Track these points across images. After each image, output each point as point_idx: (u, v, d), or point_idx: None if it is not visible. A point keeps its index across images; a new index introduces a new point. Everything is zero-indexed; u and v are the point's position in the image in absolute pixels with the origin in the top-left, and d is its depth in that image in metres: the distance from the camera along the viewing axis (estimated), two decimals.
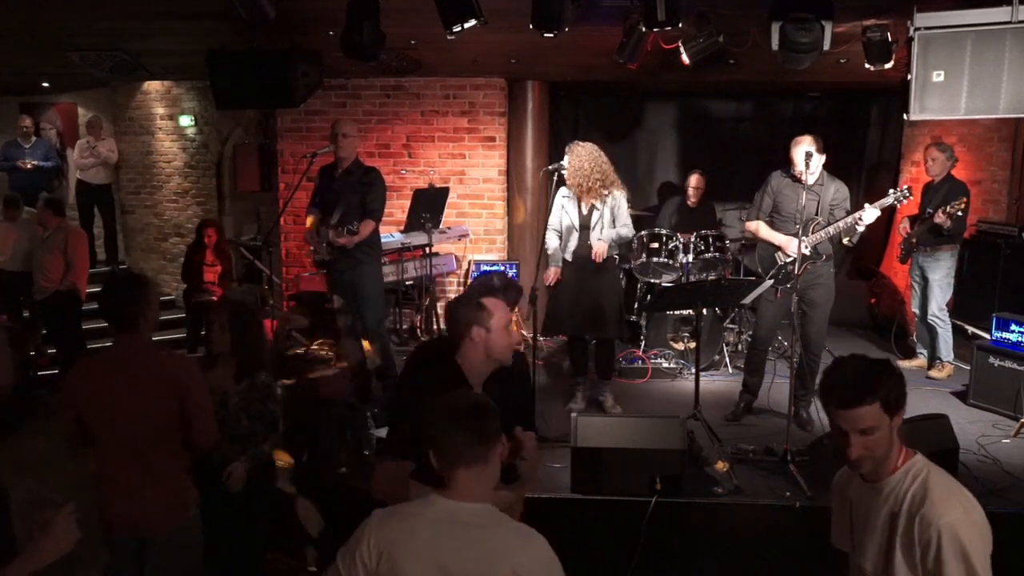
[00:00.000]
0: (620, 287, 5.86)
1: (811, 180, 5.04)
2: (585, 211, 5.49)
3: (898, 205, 5.17)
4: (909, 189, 5.18)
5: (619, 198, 5.50)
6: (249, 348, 3.55)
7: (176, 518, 3.12)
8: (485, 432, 2.08)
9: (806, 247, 5.08)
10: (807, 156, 4.88)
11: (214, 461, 3.41)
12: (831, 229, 5.05)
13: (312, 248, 5.77)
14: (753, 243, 6.28)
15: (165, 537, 3.09)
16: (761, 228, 5.35)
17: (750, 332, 6.53)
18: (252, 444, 3.53)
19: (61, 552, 2.05)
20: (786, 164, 5.27)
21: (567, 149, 5.50)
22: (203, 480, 3.29)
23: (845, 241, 5.16)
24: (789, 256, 5.10)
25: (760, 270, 5.42)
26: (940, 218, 5.99)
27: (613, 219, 5.46)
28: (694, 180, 7.59)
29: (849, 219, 5.02)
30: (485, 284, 3.66)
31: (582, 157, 5.38)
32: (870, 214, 4.96)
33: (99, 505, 3.11)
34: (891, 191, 5.14)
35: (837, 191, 5.18)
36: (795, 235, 5.06)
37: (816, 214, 5.13)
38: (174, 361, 3.19)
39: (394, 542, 1.97)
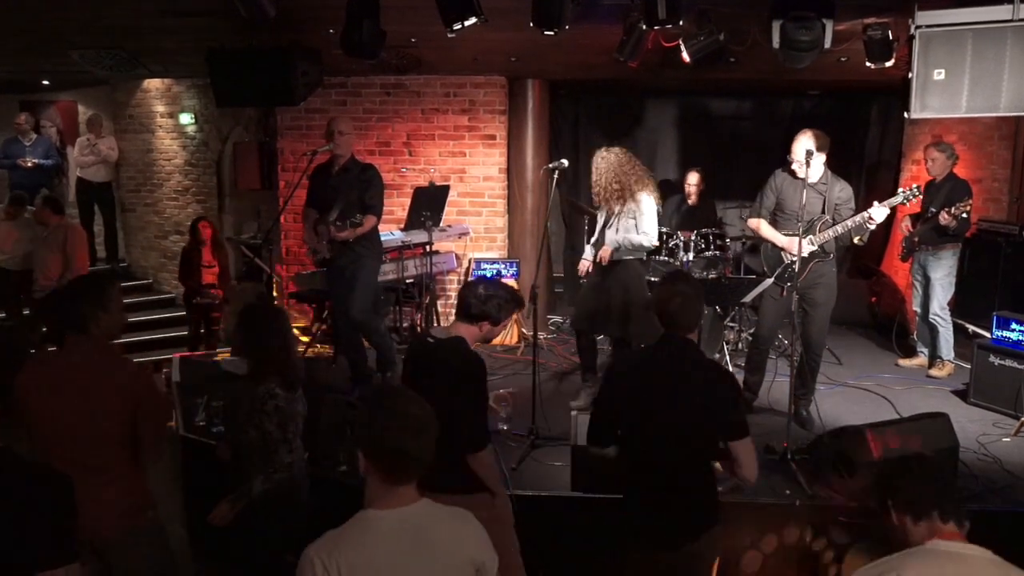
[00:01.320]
0: (639, 290, 5.69)
1: (813, 178, 5.04)
2: (612, 219, 5.52)
3: (907, 204, 5.17)
4: (918, 187, 5.18)
5: (643, 204, 5.42)
6: (256, 351, 3.35)
7: (130, 522, 3.04)
8: (432, 445, 2.06)
9: (813, 245, 5.07)
10: (807, 155, 4.87)
11: (229, 478, 3.34)
12: (839, 228, 5.04)
13: (312, 248, 5.76)
14: (756, 242, 6.29)
15: (124, 540, 3.01)
16: (762, 227, 5.33)
17: (750, 331, 6.53)
18: (266, 462, 3.28)
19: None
20: (787, 161, 5.27)
21: (601, 156, 5.51)
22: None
23: (856, 240, 5.16)
24: (793, 256, 5.08)
25: (766, 268, 5.41)
26: (945, 219, 5.98)
27: (635, 225, 5.44)
28: (693, 178, 7.58)
29: (859, 218, 5.02)
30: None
31: (600, 168, 5.46)
32: (880, 212, 4.95)
33: None
34: (900, 190, 5.14)
35: (842, 190, 5.17)
36: (797, 233, 5.06)
37: (822, 212, 5.12)
38: (126, 367, 3.05)
39: (356, 569, 1.91)
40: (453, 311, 8.82)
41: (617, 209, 5.46)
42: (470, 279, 4.53)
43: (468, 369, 3.21)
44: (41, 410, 2.94)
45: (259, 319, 3.45)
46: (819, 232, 5.09)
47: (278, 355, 3.34)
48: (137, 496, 3.09)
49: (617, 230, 5.45)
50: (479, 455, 3.20)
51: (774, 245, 5.28)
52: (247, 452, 3.32)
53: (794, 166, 5.07)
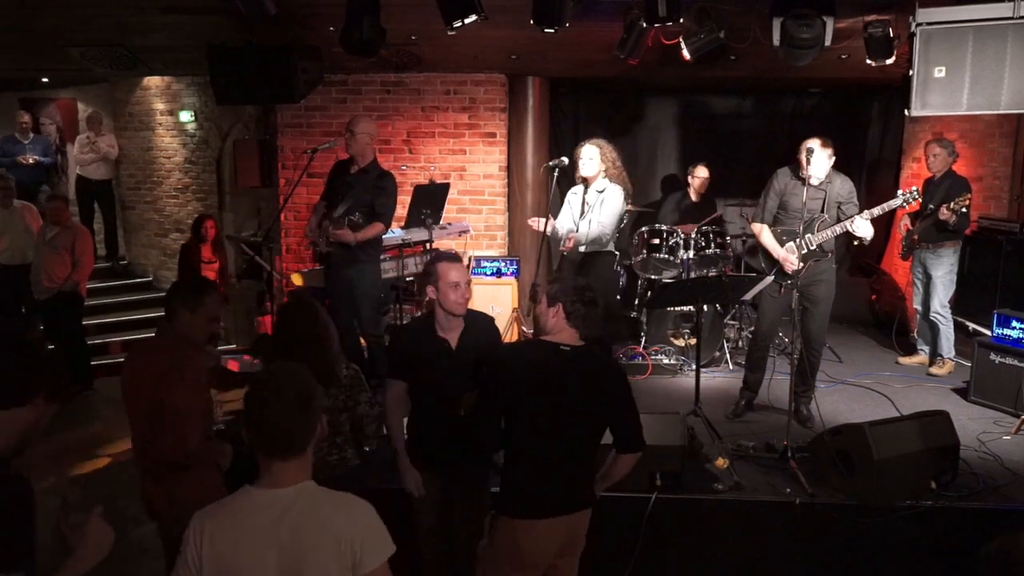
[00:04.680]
0: (611, 285, 5.84)
1: (817, 180, 5.08)
2: (585, 208, 5.55)
3: (906, 207, 5.17)
4: (917, 190, 5.18)
5: (615, 194, 5.61)
6: (290, 347, 3.35)
7: (188, 513, 3.08)
8: (313, 423, 2.04)
9: (812, 245, 5.11)
10: (808, 152, 4.90)
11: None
12: (837, 228, 5.06)
13: (312, 241, 5.76)
14: (755, 241, 6.29)
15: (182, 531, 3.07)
16: (764, 234, 5.37)
17: (751, 328, 6.53)
18: None
19: (103, 554, 2.00)
20: (789, 161, 5.29)
21: (597, 143, 5.68)
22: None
23: (856, 243, 5.18)
24: (788, 268, 5.16)
25: (764, 266, 5.43)
26: (945, 214, 5.98)
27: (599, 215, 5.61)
28: (702, 172, 7.53)
29: (838, 227, 5.07)
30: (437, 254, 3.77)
31: (611, 151, 5.71)
32: (862, 226, 4.98)
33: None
34: (899, 192, 5.14)
35: (842, 186, 5.18)
36: (800, 232, 5.11)
37: (822, 211, 5.13)
38: (176, 355, 3.10)
39: (218, 539, 1.96)
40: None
41: (588, 200, 5.57)
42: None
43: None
44: (124, 391, 3.16)
45: (298, 315, 3.54)
46: (817, 231, 5.10)
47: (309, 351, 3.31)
48: (211, 488, 3.12)
49: (590, 221, 5.56)
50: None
51: (773, 240, 5.32)
52: None
53: (805, 173, 5.10)
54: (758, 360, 5.56)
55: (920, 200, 5.47)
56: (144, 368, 3.11)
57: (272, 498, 1.99)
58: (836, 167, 5.27)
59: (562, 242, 5.74)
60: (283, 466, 2.00)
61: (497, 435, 3.05)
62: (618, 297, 6.92)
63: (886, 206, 5.08)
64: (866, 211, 5.02)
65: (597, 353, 3.14)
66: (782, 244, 5.27)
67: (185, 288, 3.31)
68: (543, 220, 5.55)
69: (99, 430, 6.39)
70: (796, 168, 5.22)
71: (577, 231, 5.66)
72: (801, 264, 5.13)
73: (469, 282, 3.48)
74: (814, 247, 5.13)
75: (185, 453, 3.07)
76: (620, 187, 5.69)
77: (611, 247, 5.86)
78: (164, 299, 3.28)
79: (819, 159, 5.03)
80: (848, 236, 5.15)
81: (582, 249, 5.68)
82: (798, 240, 5.16)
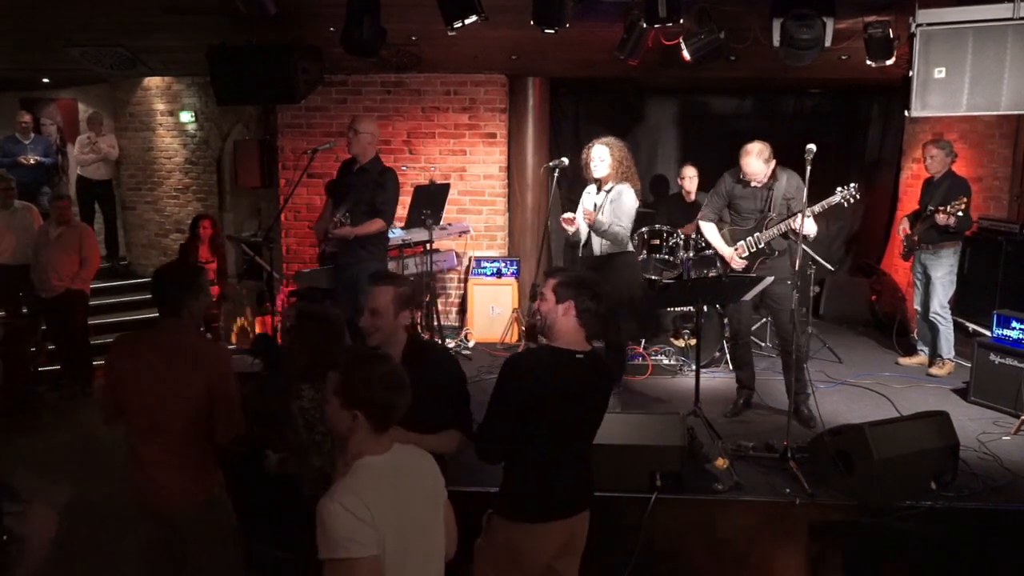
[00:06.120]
0: (636, 284, 5.81)
1: (759, 182, 5.24)
2: (599, 211, 5.55)
3: (846, 204, 5.16)
4: (855, 187, 5.12)
5: (627, 193, 5.55)
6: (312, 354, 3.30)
7: (197, 502, 3.16)
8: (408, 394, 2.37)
9: (759, 244, 5.27)
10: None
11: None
12: (782, 226, 5.15)
13: (320, 240, 5.78)
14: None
15: (191, 521, 3.14)
16: (709, 232, 5.54)
17: None
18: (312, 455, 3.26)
19: (48, 536, 2.06)
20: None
21: (607, 143, 5.53)
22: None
23: (803, 238, 5.15)
24: (735, 265, 5.38)
25: (718, 264, 5.66)
26: (942, 218, 5.99)
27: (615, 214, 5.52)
28: (690, 171, 7.53)
29: (782, 225, 5.14)
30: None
31: (619, 148, 5.54)
32: (806, 224, 4.98)
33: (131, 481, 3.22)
34: (838, 189, 5.09)
35: (789, 182, 5.20)
36: (752, 232, 5.29)
37: (769, 211, 5.20)
38: (210, 347, 3.20)
39: (378, 503, 2.19)
40: (454, 309, 8.81)
41: (609, 189, 5.53)
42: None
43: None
44: (124, 382, 3.13)
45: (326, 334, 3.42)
46: (765, 230, 5.23)
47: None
48: (208, 475, 3.23)
49: (603, 213, 5.49)
50: None
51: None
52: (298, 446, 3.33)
53: (747, 176, 5.26)
54: (742, 356, 5.63)
55: (859, 199, 5.39)
56: (173, 370, 3.06)
57: (390, 461, 2.33)
58: (836, 168, 5.30)
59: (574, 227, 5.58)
60: (388, 435, 2.34)
61: (503, 450, 2.97)
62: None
63: (826, 203, 5.08)
64: (807, 208, 5.03)
65: (602, 356, 3.13)
66: (734, 243, 5.40)
67: (180, 278, 3.19)
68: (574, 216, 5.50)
69: (99, 430, 6.39)
70: (738, 171, 5.32)
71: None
72: (747, 263, 5.32)
73: (378, 312, 3.14)
74: (762, 245, 5.26)
75: (239, 432, 3.19)
76: (630, 185, 5.64)
77: (629, 246, 5.79)
78: (164, 297, 3.15)
79: (755, 164, 5.15)
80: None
81: (587, 240, 5.63)
82: (748, 239, 5.31)
